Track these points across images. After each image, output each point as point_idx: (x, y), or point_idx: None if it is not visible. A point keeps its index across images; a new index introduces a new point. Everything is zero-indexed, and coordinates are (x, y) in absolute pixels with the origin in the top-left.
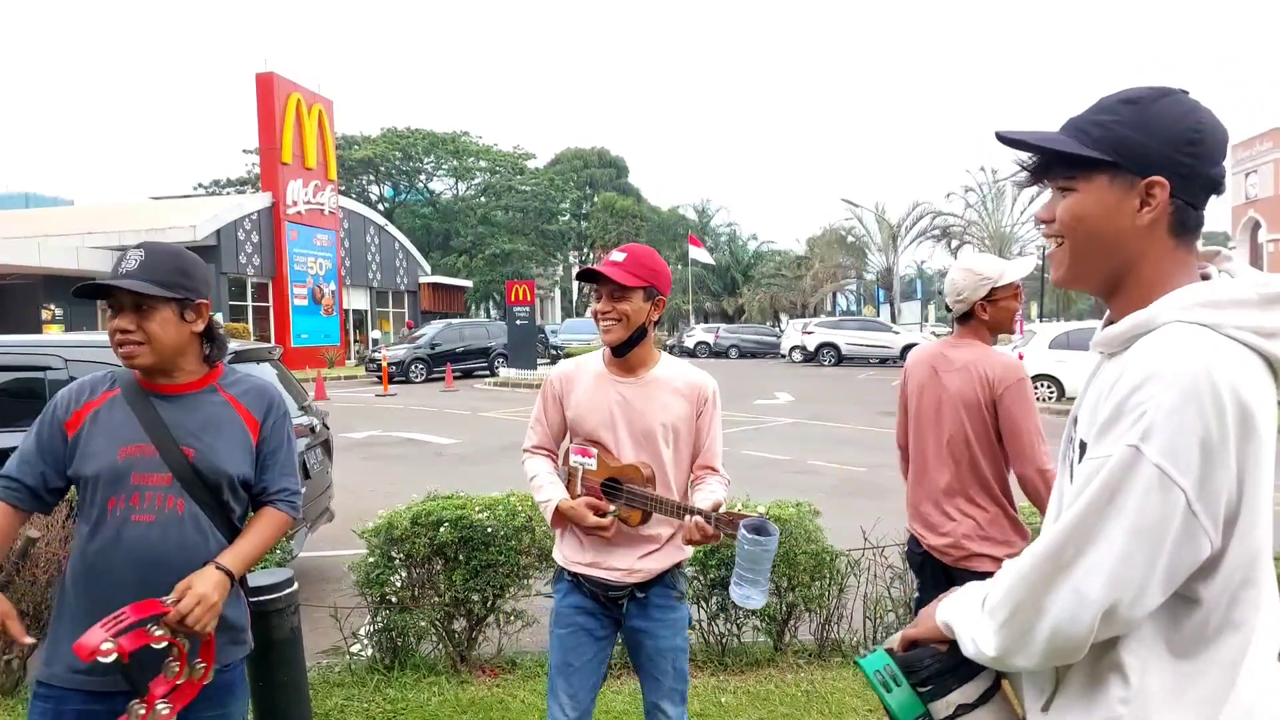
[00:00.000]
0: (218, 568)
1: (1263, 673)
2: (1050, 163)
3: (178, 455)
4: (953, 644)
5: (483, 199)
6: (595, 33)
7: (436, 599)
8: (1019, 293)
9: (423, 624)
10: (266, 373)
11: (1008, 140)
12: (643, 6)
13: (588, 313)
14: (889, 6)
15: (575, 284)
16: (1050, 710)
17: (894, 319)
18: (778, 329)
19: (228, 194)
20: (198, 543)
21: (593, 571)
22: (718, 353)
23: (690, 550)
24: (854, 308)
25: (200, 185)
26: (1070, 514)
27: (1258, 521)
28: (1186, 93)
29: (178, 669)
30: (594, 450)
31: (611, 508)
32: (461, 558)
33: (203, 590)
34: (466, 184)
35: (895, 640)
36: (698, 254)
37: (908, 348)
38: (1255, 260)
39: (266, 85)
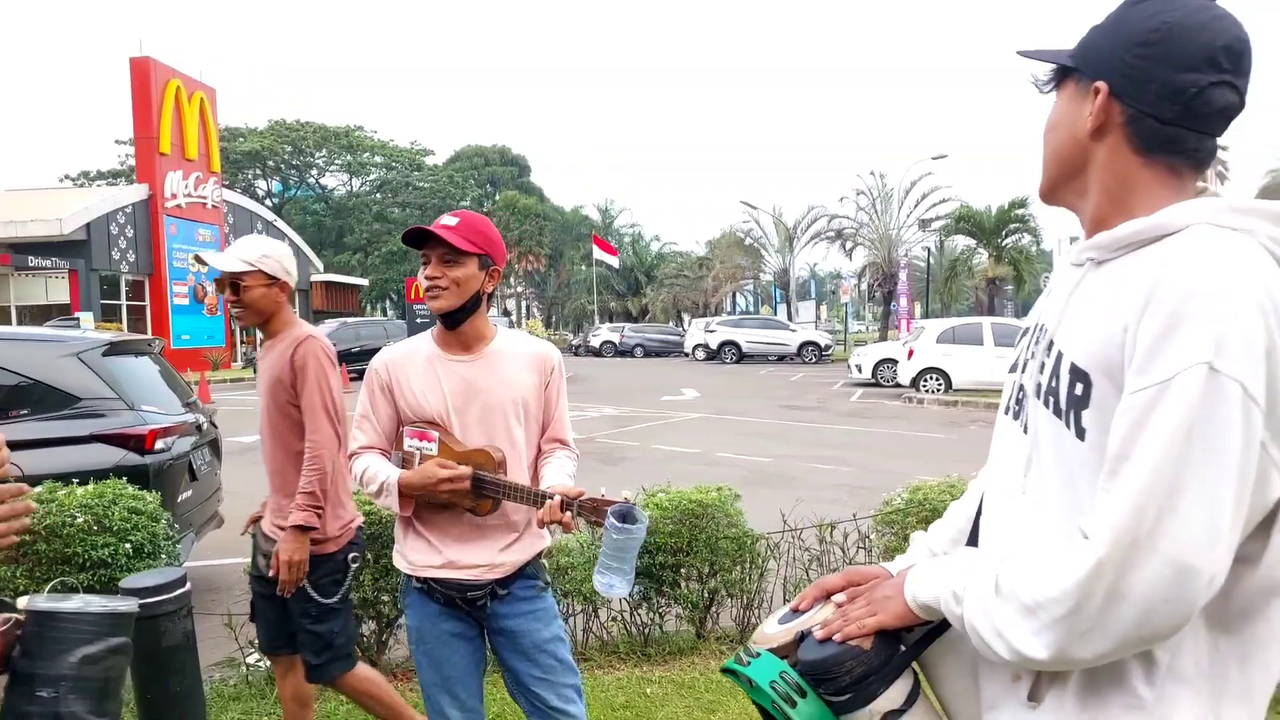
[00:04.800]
0: None
1: None
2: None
3: None
4: (879, 637)
5: (378, 195)
6: (496, 30)
7: None
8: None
9: None
10: (147, 367)
11: (1026, 55)
12: (543, 5)
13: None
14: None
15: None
16: (1043, 700)
17: (790, 318)
18: (681, 328)
19: (98, 186)
20: None
21: (448, 573)
22: (623, 352)
23: (548, 538)
24: (752, 307)
25: (67, 177)
26: (1140, 469)
27: None
28: (1210, 4)
29: None
30: (434, 434)
31: (464, 468)
32: (369, 556)
33: None
34: (361, 180)
35: (784, 632)
36: (602, 254)
37: (804, 345)
38: None
39: (142, 71)
